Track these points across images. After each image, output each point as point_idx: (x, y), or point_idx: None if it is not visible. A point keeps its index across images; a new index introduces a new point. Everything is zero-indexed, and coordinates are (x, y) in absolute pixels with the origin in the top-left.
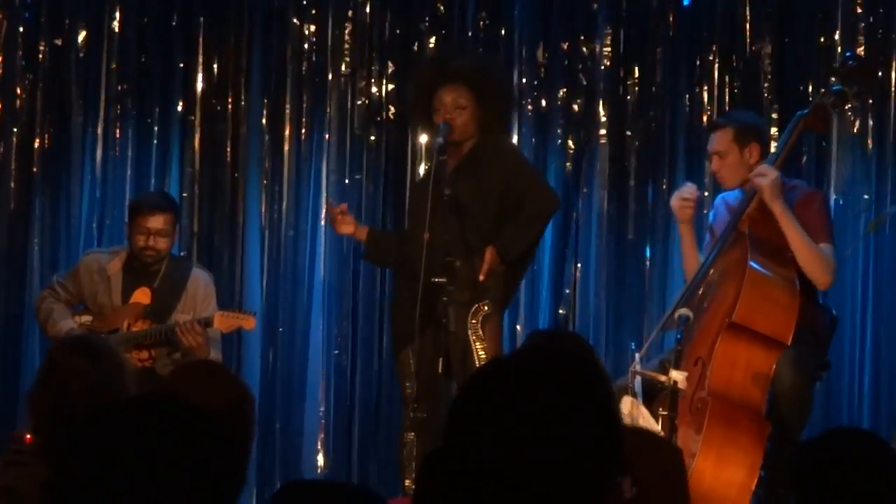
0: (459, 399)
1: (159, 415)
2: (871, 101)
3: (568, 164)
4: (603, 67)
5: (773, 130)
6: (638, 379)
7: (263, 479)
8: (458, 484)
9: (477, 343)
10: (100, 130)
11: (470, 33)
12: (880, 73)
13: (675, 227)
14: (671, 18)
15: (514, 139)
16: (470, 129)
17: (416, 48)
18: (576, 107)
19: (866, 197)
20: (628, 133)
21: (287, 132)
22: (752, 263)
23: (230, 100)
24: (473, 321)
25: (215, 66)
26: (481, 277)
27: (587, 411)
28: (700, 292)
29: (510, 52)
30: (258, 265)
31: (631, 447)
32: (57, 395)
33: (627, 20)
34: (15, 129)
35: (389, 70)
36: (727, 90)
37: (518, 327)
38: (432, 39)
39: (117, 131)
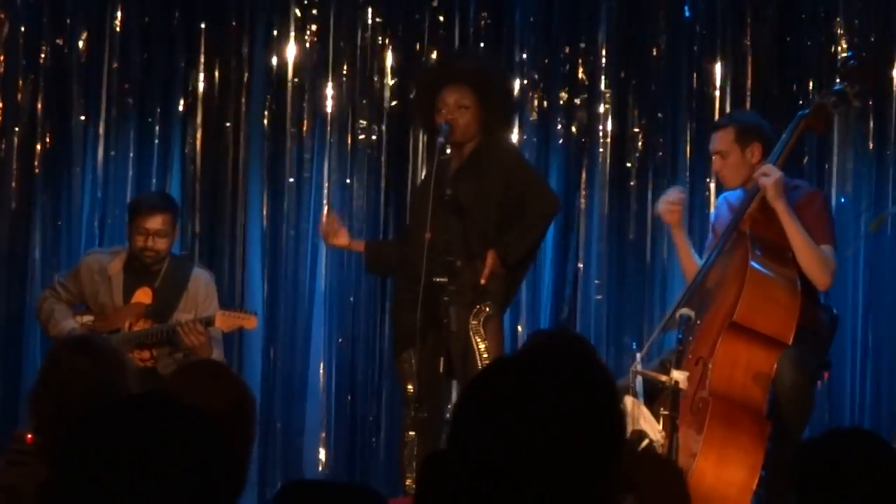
0: (463, 399)
1: (158, 414)
2: (871, 101)
3: (569, 164)
4: (604, 68)
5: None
6: (639, 379)
7: (265, 479)
8: (459, 484)
9: (478, 343)
10: (101, 130)
11: (471, 33)
12: (881, 73)
13: None
14: (673, 19)
15: (515, 139)
16: (472, 129)
17: (417, 48)
18: (577, 107)
19: (867, 197)
20: (629, 133)
21: (288, 132)
22: (753, 263)
23: (231, 99)
24: (475, 321)
25: (216, 65)
26: (483, 281)
27: (591, 412)
28: (701, 292)
29: (511, 52)
30: (259, 265)
31: (635, 469)
32: (58, 394)
33: (629, 20)
34: (16, 129)
35: (391, 70)
36: (728, 90)
37: (519, 327)
38: (434, 39)
39: (118, 131)
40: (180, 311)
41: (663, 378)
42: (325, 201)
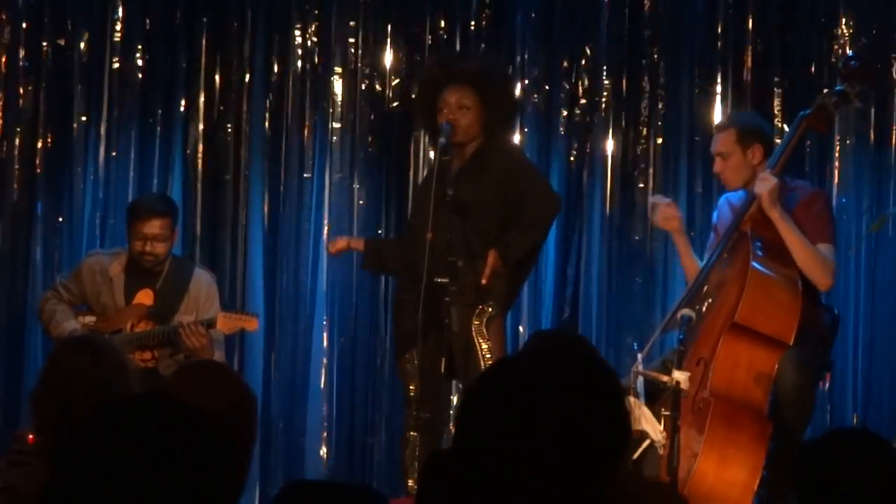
0: (465, 400)
1: (158, 415)
2: (872, 101)
3: (571, 164)
4: (606, 68)
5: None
6: (640, 379)
7: (266, 480)
8: (462, 485)
9: (481, 343)
10: (102, 130)
11: (472, 32)
12: (882, 74)
13: None
14: (674, 19)
15: (518, 140)
16: (473, 130)
17: (419, 48)
18: (578, 108)
19: (868, 198)
20: (631, 134)
21: (289, 132)
22: (755, 264)
23: (233, 100)
24: (477, 321)
25: (218, 66)
26: (484, 281)
27: (594, 412)
28: (702, 293)
29: (513, 52)
30: (260, 265)
31: (640, 498)
32: (60, 395)
33: (631, 21)
34: (18, 129)
35: (393, 70)
36: (730, 91)
37: (521, 328)
38: (435, 40)
39: (120, 131)
40: (182, 312)
41: (664, 378)
42: (326, 202)
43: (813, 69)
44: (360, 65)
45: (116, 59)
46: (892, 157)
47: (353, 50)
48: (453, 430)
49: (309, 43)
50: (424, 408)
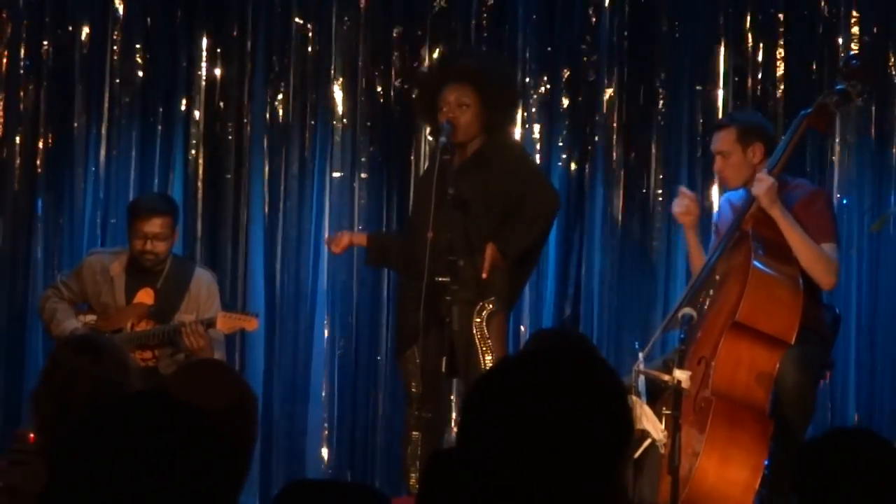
0: (468, 399)
1: (157, 414)
2: (873, 100)
3: (573, 162)
4: (608, 66)
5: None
6: (641, 378)
7: (267, 479)
8: (462, 484)
9: (481, 341)
10: (103, 130)
11: (473, 31)
12: (883, 73)
13: (679, 226)
14: (675, 15)
15: (519, 137)
16: (474, 128)
17: (420, 46)
18: (580, 104)
19: (869, 197)
20: (633, 131)
21: (290, 132)
22: (756, 263)
23: (233, 99)
24: (478, 319)
25: (218, 65)
26: (484, 275)
27: (595, 411)
28: (704, 292)
29: (514, 49)
30: (261, 265)
31: None
32: (60, 394)
33: (632, 18)
34: (19, 128)
35: (394, 68)
36: (731, 88)
37: (522, 327)
38: (436, 37)
39: (120, 131)
40: (182, 311)
41: (666, 377)
42: (326, 201)
43: (814, 66)
44: (360, 64)
45: (117, 57)
46: (893, 156)
47: (353, 49)
48: (455, 430)
49: (310, 42)
50: (425, 407)
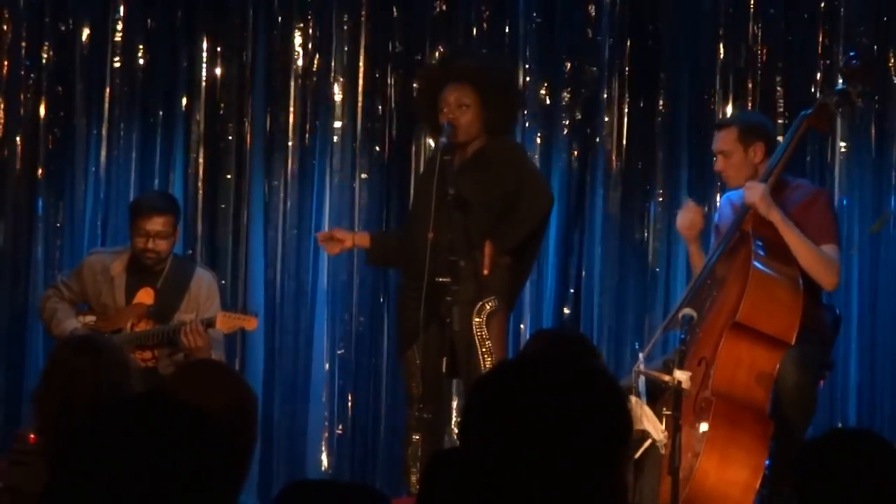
0: (469, 401)
1: (156, 415)
2: (874, 101)
3: (573, 162)
4: (608, 66)
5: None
6: (642, 378)
7: (267, 480)
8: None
9: (481, 342)
10: (104, 130)
11: (473, 31)
12: (884, 73)
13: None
14: (677, 16)
15: (519, 137)
16: (474, 128)
17: (420, 47)
18: (580, 105)
19: (869, 198)
20: (633, 132)
21: (291, 131)
22: (756, 263)
23: (234, 100)
24: (478, 319)
25: (218, 65)
26: (486, 272)
27: (593, 415)
28: (704, 292)
29: (514, 50)
30: (261, 264)
31: None
32: (61, 394)
33: (633, 20)
34: (19, 129)
35: (394, 69)
36: (732, 90)
37: (522, 326)
38: (437, 37)
39: (121, 131)
40: (182, 311)
41: (666, 378)
42: (326, 202)
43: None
44: (361, 64)
45: (117, 58)
46: (894, 157)
47: (354, 49)
48: (456, 430)
49: (310, 42)
50: (426, 407)
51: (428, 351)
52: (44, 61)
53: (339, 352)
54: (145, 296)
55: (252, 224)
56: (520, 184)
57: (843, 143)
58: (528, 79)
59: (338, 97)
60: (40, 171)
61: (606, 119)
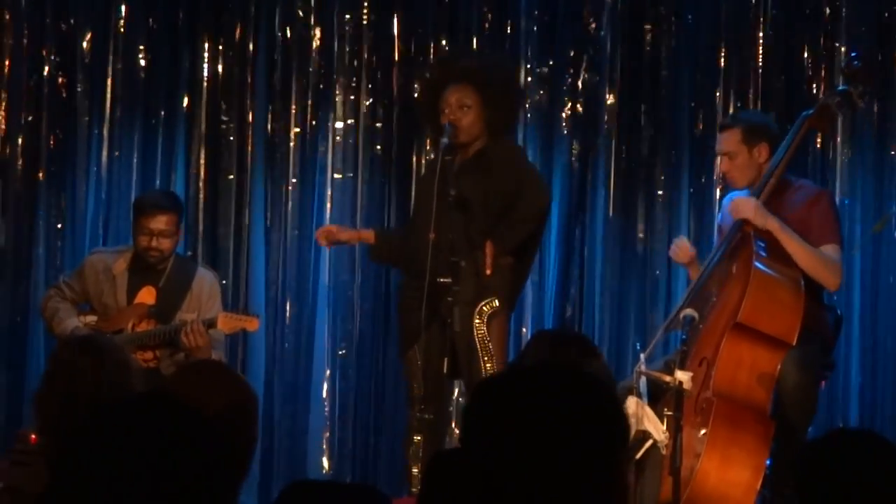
0: (470, 407)
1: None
2: (875, 101)
3: (574, 162)
4: (609, 68)
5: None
6: (643, 379)
7: (268, 480)
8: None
9: (482, 343)
10: (105, 130)
11: (475, 30)
12: (885, 74)
13: (680, 226)
14: (677, 17)
15: (520, 137)
16: (476, 129)
17: (422, 47)
18: (581, 106)
19: (871, 198)
20: (635, 132)
21: (292, 132)
22: (757, 264)
23: (235, 100)
24: (478, 320)
25: (220, 66)
26: (488, 272)
27: (591, 424)
28: (705, 293)
29: (516, 50)
30: (263, 265)
31: None
32: (62, 394)
33: (634, 20)
34: (21, 129)
35: (396, 69)
36: (733, 90)
37: (523, 327)
38: (438, 37)
39: (122, 132)
40: (184, 311)
41: (667, 378)
42: (328, 202)
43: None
44: (363, 63)
45: (119, 58)
46: (895, 157)
47: (356, 49)
48: (457, 431)
49: (311, 42)
50: (427, 408)
51: (429, 351)
52: (45, 62)
53: (340, 352)
54: (147, 295)
55: (253, 224)
56: (519, 184)
57: (844, 144)
58: (529, 78)
59: (339, 97)
60: (42, 171)
61: (607, 119)
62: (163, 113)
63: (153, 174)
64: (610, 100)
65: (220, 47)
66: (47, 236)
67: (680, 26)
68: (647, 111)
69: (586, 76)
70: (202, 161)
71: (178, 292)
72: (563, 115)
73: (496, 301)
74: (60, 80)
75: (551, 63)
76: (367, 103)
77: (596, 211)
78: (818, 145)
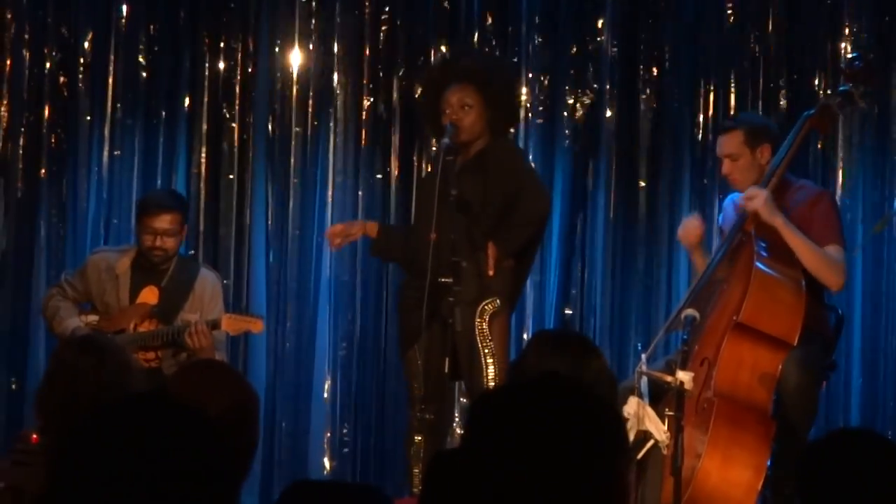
0: (472, 415)
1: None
2: (876, 102)
3: (575, 164)
4: (611, 69)
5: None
6: (644, 379)
7: (269, 480)
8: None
9: (483, 343)
10: (106, 130)
11: (476, 30)
12: (886, 74)
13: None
14: (679, 17)
15: (521, 137)
16: (477, 129)
17: (423, 48)
18: (583, 106)
19: (871, 198)
20: (636, 133)
21: (293, 132)
22: (758, 264)
23: (236, 100)
24: (479, 320)
25: (221, 66)
26: (490, 273)
27: (593, 428)
28: (706, 293)
29: (517, 52)
30: (264, 264)
31: None
32: (64, 394)
33: (635, 19)
34: (22, 129)
35: (396, 70)
36: (734, 92)
37: (525, 328)
38: (439, 38)
39: (124, 131)
40: (186, 311)
41: (668, 379)
42: (329, 202)
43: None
44: (363, 63)
45: (120, 58)
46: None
47: (357, 49)
48: (458, 431)
49: (313, 42)
50: (428, 408)
51: (430, 352)
52: (46, 62)
53: (341, 352)
54: (150, 294)
55: (254, 224)
56: (519, 187)
57: (845, 144)
58: (530, 75)
59: (340, 97)
60: (43, 171)
61: (608, 119)
62: (164, 112)
63: (154, 174)
64: (610, 100)
65: (222, 48)
66: (48, 236)
67: (681, 27)
68: (648, 112)
69: (587, 76)
70: (203, 161)
71: (181, 292)
72: (564, 115)
73: (497, 301)
74: (62, 79)
75: (552, 63)
76: (368, 103)
77: (597, 211)
78: (819, 146)
